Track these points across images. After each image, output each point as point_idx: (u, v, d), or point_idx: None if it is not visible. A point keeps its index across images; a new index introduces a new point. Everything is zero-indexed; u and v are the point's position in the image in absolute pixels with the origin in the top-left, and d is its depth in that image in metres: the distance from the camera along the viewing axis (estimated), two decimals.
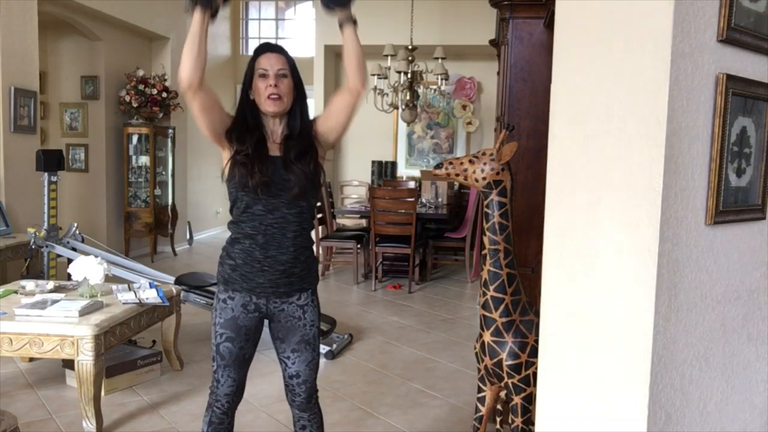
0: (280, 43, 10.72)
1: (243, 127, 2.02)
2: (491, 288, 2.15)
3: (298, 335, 2.09)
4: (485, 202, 2.15)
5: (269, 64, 1.99)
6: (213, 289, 4.37)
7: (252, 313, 2.07)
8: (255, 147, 1.98)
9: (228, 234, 2.10)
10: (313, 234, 8.18)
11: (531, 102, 2.84)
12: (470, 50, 7.93)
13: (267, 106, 1.99)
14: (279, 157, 2.00)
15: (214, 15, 1.91)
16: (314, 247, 2.17)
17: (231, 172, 1.99)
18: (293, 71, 2.03)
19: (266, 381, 3.65)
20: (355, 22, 2.00)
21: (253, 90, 2.01)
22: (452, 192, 7.52)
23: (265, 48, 2.03)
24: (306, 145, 2.03)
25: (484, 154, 2.15)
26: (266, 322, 2.14)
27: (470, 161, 2.15)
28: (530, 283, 2.67)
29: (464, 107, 8.49)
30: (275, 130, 2.05)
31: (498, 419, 2.72)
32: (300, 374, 2.11)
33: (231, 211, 2.05)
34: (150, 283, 3.64)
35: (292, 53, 2.09)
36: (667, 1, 1.27)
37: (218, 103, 2.02)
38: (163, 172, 7.62)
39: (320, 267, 6.64)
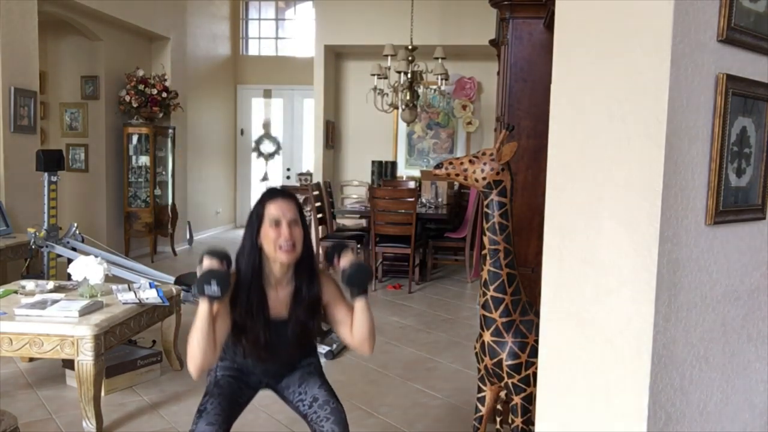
0: (279, 43, 10.69)
1: (248, 280, 1.96)
2: (491, 288, 2.15)
3: (296, 377, 2.16)
4: (485, 202, 2.15)
5: (281, 212, 1.93)
6: None
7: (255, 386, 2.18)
8: (261, 310, 1.97)
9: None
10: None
11: (531, 102, 2.84)
12: (470, 50, 7.93)
13: (280, 256, 1.92)
14: (285, 322, 2.01)
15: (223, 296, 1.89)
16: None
17: (233, 339, 2.00)
18: (301, 216, 1.99)
19: None
20: (366, 294, 2.00)
21: (261, 237, 1.94)
22: (452, 192, 7.52)
23: (276, 194, 1.98)
24: (316, 300, 2.04)
25: (484, 154, 2.15)
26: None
27: (470, 161, 2.15)
28: (530, 283, 2.67)
29: (464, 107, 8.49)
30: (280, 279, 2.00)
31: (498, 419, 2.72)
32: (317, 397, 2.08)
33: (225, 348, 2.07)
34: (150, 283, 3.64)
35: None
36: (667, 1, 1.27)
37: (224, 319, 1.94)
38: (163, 172, 7.62)
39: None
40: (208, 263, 1.85)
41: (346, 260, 1.99)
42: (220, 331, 1.90)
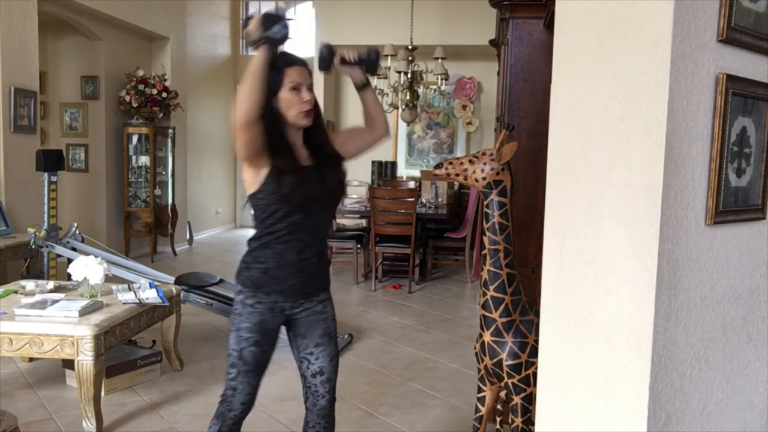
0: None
1: (275, 139, 1.96)
2: (491, 288, 2.15)
3: (320, 328, 2.11)
4: (485, 202, 2.15)
5: (302, 77, 1.97)
6: (213, 289, 4.37)
7: (278, 315, 2.07)
8: (297, 163, 2.00)
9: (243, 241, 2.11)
10: None
11: (531, 102, 2.84)
12: (470, 50, 7.93)
13: (299, 119, 1.98)
14: (314, 168, 2.03)
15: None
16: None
17: (273, 184, 1.95)
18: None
19: (266, 381, 3.61)
20: (370, 85, 2.15)
21: (279, 100, 1.96)
22: (452, 192, 7.52)
23: (295, 60, 2.00)
24: (336, 156, 2.11)
25: (484, 154, 2.15)
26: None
27: (470, 161, 2.15)
28: (530, 283, 2.67)
29: (464, 107, 8.49)
30: (296, 141, 2.04)
31: (498, 419, 2.72)
32: (324, 371, 2.11)
33: (262, 220, 2.01)
34: (150, 283, 3.64)
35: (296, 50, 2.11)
36: (667, 1, 1.27)
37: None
38: (163, 172, 7.62)
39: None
40: (267, 11, 1.88)
41: (349, 54, 2.06)
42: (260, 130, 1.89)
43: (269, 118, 1.94)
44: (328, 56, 2.06)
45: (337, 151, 2.12)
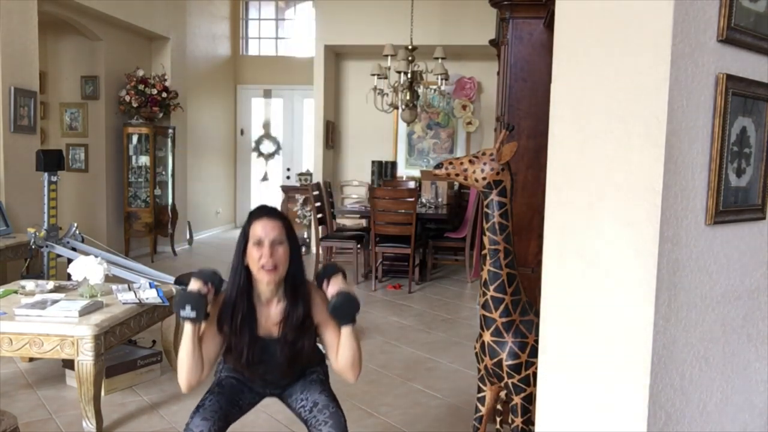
0: (279, 43, 10.68)
1: (235, 299, 1.97)
2: (491, 288, 2.15)
3: (299, 385, 2.16)
4: (485, 202, 2.15)
5: (264, 231, 1.91)
6: None
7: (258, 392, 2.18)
8: (247, 328, 1.96)
9: None
10: (308, 235, 8.14)
11: (531, 102, 2.84)
12: (470, 50, 7.92)
13: (261, 276, 1.93)
14: (275, 341, 1.99)
15: (206, 317, 1.92)
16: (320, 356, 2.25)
17: (226, 354, 2.03)
18: (289, 235, 1.97)
19: None
20: (354, 322, 1.98)
21: (246, 256, 1.94)
22: (452, 192, 7.52)
23: (261, 213, 1.97)
24: (304, 323, 2.00)
25: (484, 154, 2.15)
26: None
27: (470, 161, 2.15)
28: (530, 283, 2.67)
29: (464, 107, 8.49)
30: (270, 297, 2.00)
31: (498, 419, 2.72)
32: (318, 402, 2.06)
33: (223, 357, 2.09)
34: (150, 283, 3.64)
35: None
36: (667, 1, 1.27)
37: (212, 339, 1.98)
38: (163, 172, 7.62)
39: (320, 267, 6.62)
40: (192, 285, 1.89)
41: (334, 287, 1.98)
42: (209, 350, 1.95)
43: (238, 276, 1.97)
44: (320, 279, 2.05)
45: (308, 314, 2.00)
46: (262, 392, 2.19)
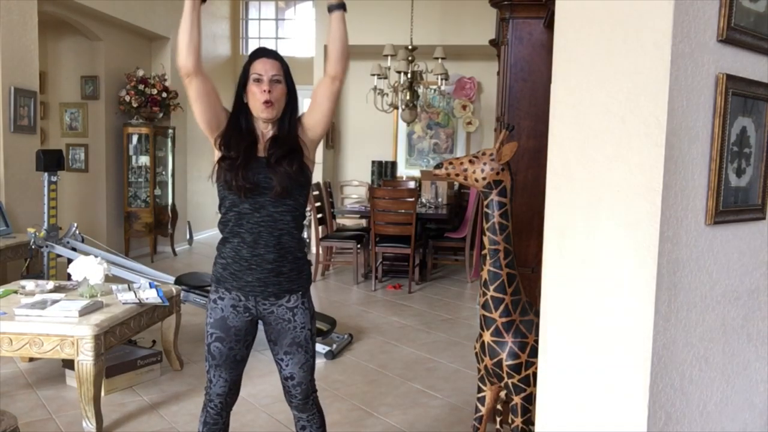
0: (279, 43, 10.65)
1: (236, 130, 2.04)
2: (491, 288, 2.15)
3: (288, 337, 2.08)
4: (485, 202, 2.15)
5: (264, 69, 2.00)
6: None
7: (242, 314, 2.07)
8: (244, 152, 2.00)
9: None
10: (308, 235, 8.15)
11: (531, 102, 2.84)
12: (470, 50, 7.92)
13: (260, 112, 2.00)
14: (264, 158, 2.02)
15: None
16: (305, 249, 2.17)
17: (218, 173, 2.04)
18: (287, 77, 2.05)
19: (266, 381, 3.65)
20: (344, 8, 2.06)
21: (247, 93, 2.02)
22: (452, 192, 7.52)
23: (261, 53, 2.05)
24: (290, 146, 2.03)
25: (484, 154, 2.15)
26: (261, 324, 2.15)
27: (470, 161, 2.15)
28: (530, 283, 2.67)
29: (464, 107, 8.49)
30: (266, 132, 2.06)
31: (498, 419, 2.72)
32: (294, 376, 2.11)
33: (219, 209, 2.09)
34: (150, 283, 3.64)
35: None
36: (667, 1, 1.27)
37: (214, 92, 2.05)
38: (163, 172, 7.62)
39: (320, 267, 6.63)
40: None
41: None
42: (209, 82, 2.01)
43: (236, 109, 2.05)
44: None
45: (300, 145, 2.05)
46: (248, 320, 2.08)
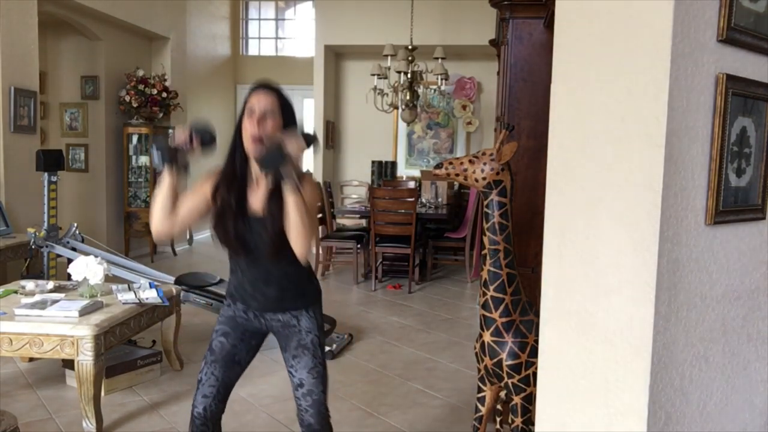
0: (279, 43, 10.63)
1: (226, 176, 1.97)
2: (491, 288, 2.15)
3: (294, 340, 2.06)
4: (485, 202, 2.15)
5: (258, 102, 1.89)
6: (213, 289, 4.38)
7: (252, 321, 2.10)
8: (236, 203, 1.94)
9: None
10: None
11: (531, 102, 2.85)
12: (470, 50, 7.93)
13: (248, 146, 1.90)
14: (259, 219, 1.93)
15: (185, 169, 1.92)
16: (311, 269, 2.12)
17: (212, 226, 1.99)
18: (285, 112, 1.93)
19: (266, 381, 3.65)
20: (297, 185, 1.80)
21: (243, 130, 1.92)
22: (452, 192, 7.52)
23: (258, 86, 1.95)
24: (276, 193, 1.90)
25: (484, 154, 2.15)
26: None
27: (470, 161, 2.15)
28: (530, 283, 2.67)
29: (464, 107, 8.49)
30: (259, 175, 1.95)
31: (498, 419, 2.72)
32: (303, 383, 2.02)
33: None
34: (150, 283, 3.64)
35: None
36: (667, 1, 1.27)
37: (192, 199, 1.97)
38: None
39: (320, 267, 6.64)
40: (177, 133, 1.93)
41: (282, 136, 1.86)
42: (185, 207, 1.94)
43: (233, 148, 1.97)
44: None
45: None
46: (257, 327, 2.10)
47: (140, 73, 7.11)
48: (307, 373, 2.04)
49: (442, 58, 6.48)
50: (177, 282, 4.18)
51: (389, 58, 6.42)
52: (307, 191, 1.87)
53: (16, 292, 3.49)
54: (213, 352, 2.08)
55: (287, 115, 1.94)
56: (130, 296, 3.41)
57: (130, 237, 7.33)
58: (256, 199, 1.95)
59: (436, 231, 6.90)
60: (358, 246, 6.38)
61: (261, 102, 1.89)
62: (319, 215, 6.61)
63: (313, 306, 2.10)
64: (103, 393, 3.30)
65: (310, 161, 9.22)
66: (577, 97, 1.44)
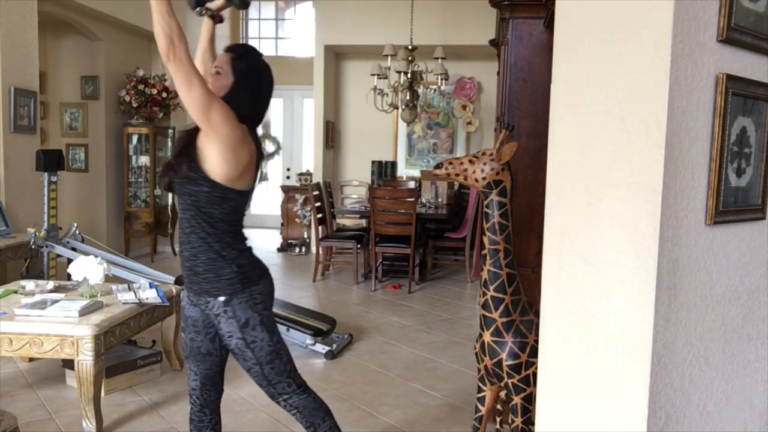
0: (279, 43, 10.59)
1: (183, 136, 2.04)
2: (491, 288, 2.15)
3: (224, 338, 2.05)
4: (485, 202, 2.15)
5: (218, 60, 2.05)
6: None
7: (194, 306, 2.08)
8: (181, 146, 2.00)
9: None
10: (308, 235, 8.08)
11: (531, 102, 2.85)
12: (470, 50, 7.93)
13: None
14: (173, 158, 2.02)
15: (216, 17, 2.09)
16: (234, 254, 2.00)
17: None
18: (237, 73, 1.99)
19: None
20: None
21: None
22: (452, 192, 7.52)
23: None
24: (187, 140, 1.95)
25: (484, 154, 2.15)
26: None
27: (470, 161, 2.15)
28: (530, 283, 2.67)
29: (464, 107, 8.49)
30: None
31: (498, 419, 2.72)
32: (255, 382, 2.12)
33: None
34: (150, 283, 3.64)
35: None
36: (667, 1, 1.27)
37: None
38: None
39: (320, 267, 6.64)
40: None
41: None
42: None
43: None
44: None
45: (196, 138, 1.93)
46: (200, 314, 2.06)
47: (140, 73, 7.11)
48: (248, 372, 2.09)
49: (442, 58, 6.48)
50: (177, 282, 4.18)
51: (389, 58, 6.42)
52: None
53: (16, 292, 3.49)
54: (184, 348, 2.16)
55: (238, 75, 2.02)
56: (130, 296, 3.41)
57: (130, 237, 7.33)
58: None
59: (436, 231, 6.90)
60: (358, 246, 6.38)
61: (217, 59, 2.07)
62: (319, 215, 6.61)
63: (233, 299, 1.96)
64: (103, 393, 3.30)
65: (310, 161, 9.22)
66: (577, 97, 1.44)
